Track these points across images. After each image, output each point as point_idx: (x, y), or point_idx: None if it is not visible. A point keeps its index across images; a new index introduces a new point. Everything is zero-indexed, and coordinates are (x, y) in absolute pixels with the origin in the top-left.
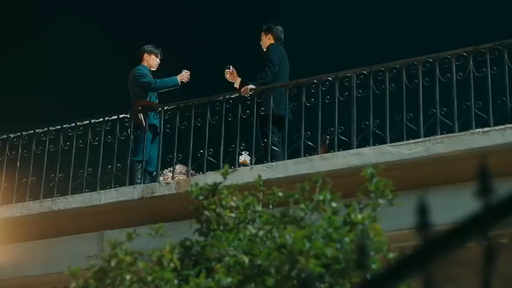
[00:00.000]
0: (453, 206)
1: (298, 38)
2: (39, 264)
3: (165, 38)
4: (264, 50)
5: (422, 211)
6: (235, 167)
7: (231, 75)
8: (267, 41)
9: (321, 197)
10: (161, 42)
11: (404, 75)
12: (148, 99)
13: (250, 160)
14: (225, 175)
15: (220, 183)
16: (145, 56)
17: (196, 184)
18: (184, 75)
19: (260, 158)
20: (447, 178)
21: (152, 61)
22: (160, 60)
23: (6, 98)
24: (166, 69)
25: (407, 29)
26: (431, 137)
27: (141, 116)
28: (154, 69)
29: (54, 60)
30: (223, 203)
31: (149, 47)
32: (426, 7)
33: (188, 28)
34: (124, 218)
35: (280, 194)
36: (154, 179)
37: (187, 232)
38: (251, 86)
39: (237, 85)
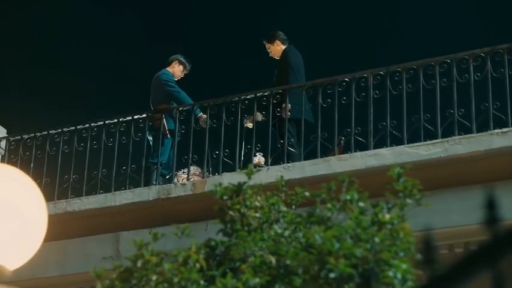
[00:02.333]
0: (471, 207)
1: (314, 39)
2: (54, 265)
3: (183, 39)
4: (277, 57)
5: (490, 206)
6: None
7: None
8: (277, 48)
9: (348, 197)
10: (180, 45)
11: (421, 75)
12: (170, 104)
13: (266, 161)
14: (249, 175)
15: (245, 183)
16: (174, 63)
17: (220, 184)
18: (204, 119)
19: (276, 158)
20: (465, 179)
21: (178, 71)
22: (185, 75)
23: (19, 99)
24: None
25: (424, 30)
26: (449, 138)
27: (163, 121)
28: (176, 80)
29: (66, 62)
30: (248, 203)
31: (181, 57)
32: (444, 7)
33: (204, 31)
34: (140, 219)
35: (307, 194)
36: (169, 180)
37: (204, 233)
38: (289, 106)
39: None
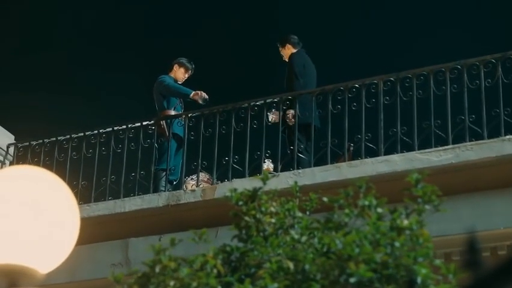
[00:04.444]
0: (483, 213)
1: (324, 45)
2: (63, 271)
3: (191, 43)
4: (287, 60)
5: None
6: (260, 174)
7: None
8: (288, 52)
9: (366, 202)
10: (188, 49)
11: (432, 81)
12: (173, 109)
13: (276, 167)
14: (264, 180)
15: (260, 188)
16: (175, 67)
17: (235, 190)
18: (200, 94)
19: (286, 165)
20: (477, 185)
21: (180, 74)
22: (189, 76)
23: (28, 105)
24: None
25: (434, 36)
26: (461, 144)
27: (164, 124)
28: (180, 83)
29: (76, 66)
30: (263, 208)
31: (181, 60)
32: (453, 13)
33: (214, 36)
34: (149, 225)
35: (325, 199)
36: (178, 187)
37: (214, 239)
38: (292, 112)
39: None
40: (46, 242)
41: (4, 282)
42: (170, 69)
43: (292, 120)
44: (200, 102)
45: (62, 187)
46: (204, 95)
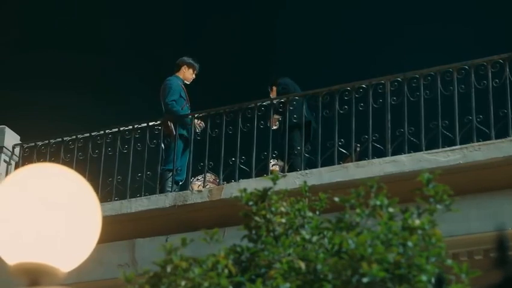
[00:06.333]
0: (491, 214)
1: (331, 45)
2: (70, 273)
3: (199, 45)
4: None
5: None
6: (267, 174)
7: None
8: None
9: (378, 202)
10: (193, 50)
11: (439, 82)
12: (180, 109)
13: (283, 168)
14: (275, 180)
15: (270, 188)
16: (184, 67)
17: (245, 190)
18: (198, 123)
19: (293, 165)
20: (484, 185)
21: (188, 75)
22: (195, 75)
23: (34, 105)
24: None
25: (441, 36)
26: (468, 144)
27: (171, 126)
28: (188, 83)
29: (81, 66)
30: (273, 208)
31: (190, 60)
32: (460, 13)
33: (220, 35)
34: (156, 226)
35: (336, 199)
36: (184, 187)
37: (221, 240)
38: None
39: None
40: (68, 240)
41: (25, 280)
42: (177, 69)
43: (277, 124)
44: (196, 130)
45: (84, 184)
46: (202, 124)
